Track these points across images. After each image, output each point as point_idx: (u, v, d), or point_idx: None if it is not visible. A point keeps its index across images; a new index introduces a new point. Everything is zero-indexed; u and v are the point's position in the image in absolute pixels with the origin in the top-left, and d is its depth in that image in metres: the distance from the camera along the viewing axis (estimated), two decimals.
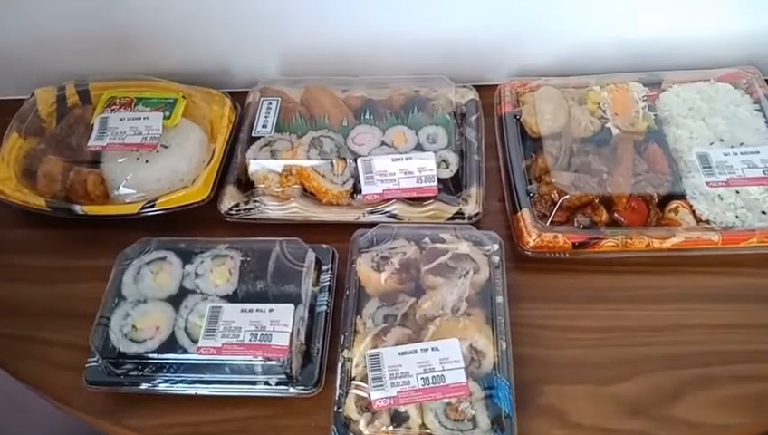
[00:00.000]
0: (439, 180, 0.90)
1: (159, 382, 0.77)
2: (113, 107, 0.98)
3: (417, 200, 0.90)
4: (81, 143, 0.97)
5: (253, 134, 0.95)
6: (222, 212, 0.93)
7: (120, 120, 0.95)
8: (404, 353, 0.73)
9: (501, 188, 0.95)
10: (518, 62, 1.08)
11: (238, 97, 1.07)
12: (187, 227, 0.93)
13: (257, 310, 0.77)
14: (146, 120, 0.95)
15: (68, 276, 0.91)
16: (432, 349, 0.73)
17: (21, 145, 1.00)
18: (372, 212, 0.90)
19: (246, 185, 0.95)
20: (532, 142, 0.96)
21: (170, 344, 0.78)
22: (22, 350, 0.84)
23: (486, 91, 1.06)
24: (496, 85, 1.06)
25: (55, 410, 0.82)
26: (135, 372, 0.78)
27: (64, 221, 0.93)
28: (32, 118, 1.02)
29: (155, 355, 0.77)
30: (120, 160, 0.93)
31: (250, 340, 0.75)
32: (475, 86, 1.06)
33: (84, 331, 0.81)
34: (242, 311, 0.78)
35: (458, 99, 1.01)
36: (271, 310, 0.77)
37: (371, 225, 0.90)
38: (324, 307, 0.82)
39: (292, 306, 0.77)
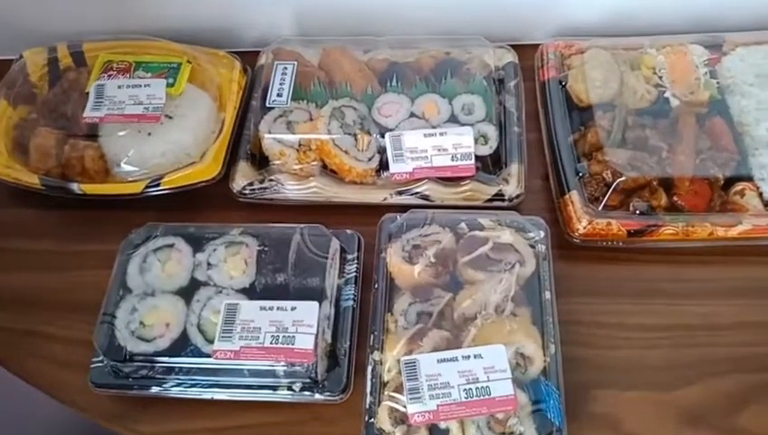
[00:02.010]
0: (476, 158, 0.80)
1: (172, 386, 0.70)
2: (110, 73, 0.88)
3: (451, 180, 0.81)
4: (77, 112, 0.87)
5: (267, 104, 0.85)
6: (234, 191, 0.84)
7: (119, 87, 0.85)
8: (443, 361, 0.65)
9: (544, 165, 0.85)
10: (561, 20, 0.96)
11: (248, 58, 0.96)
12: (195, 207, 0.85)
13: (278, 308, 0.69)
14: (147, 87, 0.85)
15: (68, 263, 0.83)
16: (475, 356, 0.65)
17: (10, 114, 0.90)
18: (401, 193, 0.81)
19: (261, 160, 0.86)
20: (579, 113, 0.85)
21: (182, 343, 0.71)
22: (21, 346, 0.77)
23: (525, 51, 0.95)
24: (536, 45, 0.95)
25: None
26: (144, 372, 0.71)
27: (61, 201, 0.84)
28: (21, 83, 0.92)
29: (165, 359, 0.69)
30: (121, 134, 0.83)
31: (271, 342, 0.67)
32: (512, 46, 0.95)
33: (88, 325, 0.74)
34: (261, 309, 0.70)
35: (495, 61, 0.90)
36: (293, 308, 0.69)
37: (400, 207, 0.81)
38: (351, 302, 0.74)
39: (316, 304, 0.69)
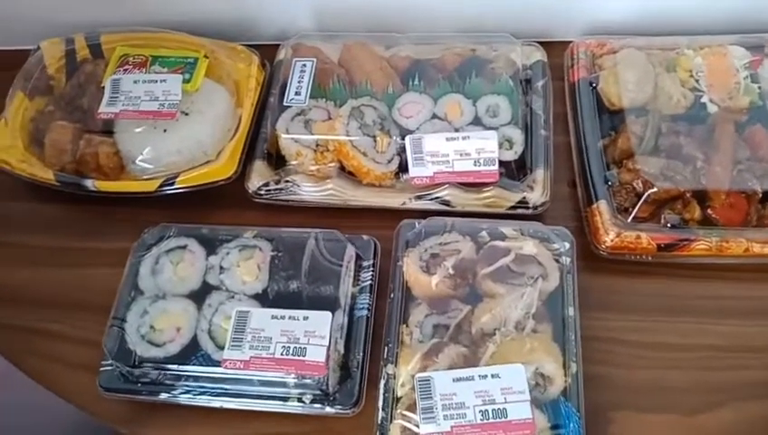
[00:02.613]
0: (500, 163, 0.77)
1: (180, 393, 0.69)
2: (126, 67, 0.86)
3: (473, 186, 0.77)
4: (93, 106, 0.85)
5: (285, 103, 0.82)
6: (250, 192, 0.82)
7: (134, 82, 0.83)
8: (459, 380, 0.62)
9: (571, 170, 0.81)
10: (593, 16, 0.92)
11: (267, 52, 0.94)
12: (210, 205, 0.84)
13: (290, 317, 0.67)
14: (163, 83, 0.83)
15: (79, 260, 0.82)
16: (492, 376, 0.62)
17: (27, 106, 0.89)
18: (420, 197, 0.78)
19: (277, 159, 0.83)
20: (610, 116, 0.81)
21: (193, 349, 0.70)
22: (29, 344, 0.76)
23: (554, 49, 0.91)
24: (566, 43, 0.91)
25: None
26: (154, 376, 0.69)
27: (76, 196, 0.83)
28: (38, 75, 0.91)
29: (175, 366, 0.67)
30: (137, 131, 0.82)
31: (282, 353, 0.65)
32: (540, 43, 0.91)
33: (98, 324, 0.73)
34: (272, 317, 0.68)
35: (522, 59, 0.87)
36: (305, 318, 0.67)
37: (418, 212, 0.78)
38: (365, 311, 0.71)
39: (329, 314, 0.67)
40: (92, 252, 0.82)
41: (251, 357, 0.66)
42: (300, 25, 0.95)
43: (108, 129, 0.84)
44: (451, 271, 0.69)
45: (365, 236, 0.76)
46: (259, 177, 0.81)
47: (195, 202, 0.82)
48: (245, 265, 0.73)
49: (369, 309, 0.72)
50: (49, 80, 0.92)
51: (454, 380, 0.62)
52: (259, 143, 0.84)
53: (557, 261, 0.71)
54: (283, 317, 0.67)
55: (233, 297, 0.72)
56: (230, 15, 0.95)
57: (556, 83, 0.88)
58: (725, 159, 0.73)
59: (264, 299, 0.71)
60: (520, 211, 0.77)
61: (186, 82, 0.83)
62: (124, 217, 0.84)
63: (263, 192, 0.81)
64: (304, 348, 0.65)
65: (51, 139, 0.85)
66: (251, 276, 0.72)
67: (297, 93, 0.82)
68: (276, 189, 0.81)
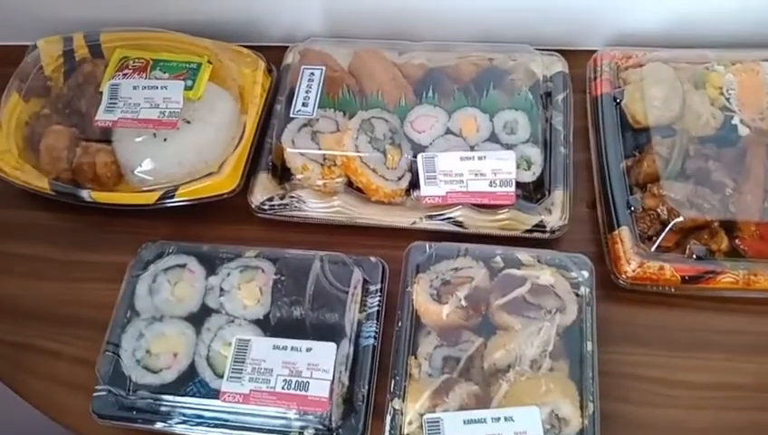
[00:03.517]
0: (517, 184, 0.73)
1: (177, 422, 0.65)
2: (125, 71, 0.82)
3: (488, 207, 0.73)
4: (91, 110, 0.82)
5: (291, 115, 0.78)
6: (252, 206, 0.78)
7: (134, 88, 0.80)
8: (470, 422, 0.59)
9: (591, 190, 0.77)
10: (617, 25, 0.87)
11: (274, 54, 0.89)
12: (211, 219, 0.80)
13: (292, 348, 0.64)
14: (164, 89, 0.79)
15: (75, 274, 0.79)
16: (505, 418, 0.59)
17: (22, 108, 0.86)
18: (431, 217, 0.75)
19: (282, 170, 0.79)
20: (634, 135, 0.77)
21: (190, 375, 0.67)
22: (24, 362, 0.73)
23: (576, 58, 0.86)
24: (589, 52, 0.86)
25: None
26: (149, 403, 0.66)
27: (72, 205, 0.80)
28: (34, 75, 0.88)
29: (170, 397, 0.64)
30: (137, 140, 0.78)
31: (283, 387, 0.62)
32: (562, 52, 0.86)
33: (93, 343, 0.70)
34: (274, 347, 0.64)
35: (543, 70, 0.82)
36: (308, 349, 0.64)
37: (430, 232, 0.75)
38: (371, 340, 0.68)
39: (333, 346, 0.64)
40: (89, 265, 0.79)
41: (251, 390, 0.62)
42: (309, 27, 0.91)
43: (106, 135, 0.80)
44: (463, 303, 0.65)
45: (373, 259, 0.73)
46: (263, 191, 0.78)
47: (195, 215, 0.79)
48: (247, 287, 0.70)
49: (375, 337, 0.68)
50: (46, 80, 0.88)
51: (465, 422, 0.59)
52: (264, 154, 0.80)
53: (575, 292, 0.67)
54: (285, 348, 0.64)
55: (233, 322, 0.68)
56: (236, 15, 0.91)
57: (577, 95, 0.84)
58: (757, 187, 0.69)
59: (265, 325, 0.68)
60: (536, 235, 0.73)
61: (188, 89, 0.79)
62: (122, 229, 0.80)
63: (266, 207, 0.77)
64: (307, 382, 0.62)
65: (46, 145, 0.81)
66: (252, 300, 0.69)
67: (304, 104, 0.78)
68: (281, 205, 0.77)
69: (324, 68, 0.80)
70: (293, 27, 0.92)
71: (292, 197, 0.77)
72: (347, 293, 0.67)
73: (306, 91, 0.79)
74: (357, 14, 0.88)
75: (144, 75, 0.81)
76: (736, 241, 0.69)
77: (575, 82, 0.85)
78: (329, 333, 0.66)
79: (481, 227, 0.74)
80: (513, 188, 0.72)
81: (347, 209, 0.76)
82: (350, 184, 0.77)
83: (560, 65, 0.84)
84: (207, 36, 0.88)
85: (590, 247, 0.74)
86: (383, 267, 0.72)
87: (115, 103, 0.79)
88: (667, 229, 0.68)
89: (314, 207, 0.76)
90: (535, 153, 0.74)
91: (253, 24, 0.92)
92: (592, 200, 0.77)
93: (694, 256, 0.68)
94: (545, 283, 0.67)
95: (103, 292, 0.74)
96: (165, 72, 0.81)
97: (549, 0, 0.85)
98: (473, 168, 0.72)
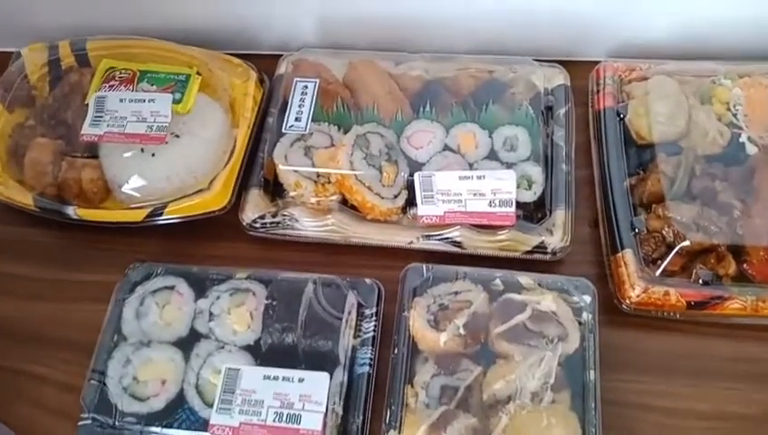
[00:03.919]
0: (518, 204, 0.70)
1: None
2: (112, 83, 0.79)
3: (487, 227, 0.71)
4: (77, 121, 0.79)
5: (284, 130, 0.75)
6: (244, 224, 0.75)
7: (120, 101, 0.77)
8: None
9: (594, 208, 0.75)
10: (621, 36, 0.84)
11: (266, 62, 0.87)
12: (201, 236, 0.78)
13: (284, 378, 0.62)
14: (151, 103, 0.76)
15: (60, 293, 0.76)
16: None
17: (6, 119, 0.83)
18: (429, 237, 0.72)
19: (274, 186, 0.77)
20: (638, 151, 0.75)
21: (178, 403, 0.65)
22: (9, 386, 0.71)
23: (578, 69, 0.84)
24: (591, 63, 0.84)
25: None
26: (136, 430, 0.64)
27: (57, 221, 0.77)
28: (19, 84, 0.85)
29: (158, 429, 0.62)
30: (125, 155, 0.75)
31: (274, 420, 0.60)
32: (564, 62, 0.83)
33: (80, 367, 0.68)
34: (264, 378, 0.62)
35: (544, 83, 0.79)
36: (301, 380, 0.61)
37: (427, 251, 0.72)
38: (366, 367, 0.66)
39: (326, 377, 0.61)
40: (75, 284, 0.77)
41: (240, 423, 0.60)
42: (303, 36, 0.88)
43: (93, 149, 0.78)
44: (462, 331, 0.63)
45: (368, 281, 0.70)
46: (254, 208, 0.75)
47: (185, 232, 0.77)
48: (237, 312, 0.67)
49: (370, 364, 0.66)
50: (30, 90, 0.85)
51: None
52: (255, 169, 0.78)
53: (578, 319, 0.65)
54: (276, 378, 0.62)
55: (223, 348, 0.66)
56: (228, 23, 0.88)
57: (579, 108, 0.81)
58: (765, 209, 0.67)
59: (256, 351, 0.65)
60: (537, 256, 0.71)
61: (176, 102, 0.76)
62: (110, 246, 0.78)
63: (258, 225, 0.75)
64: (299, 415, 0.60)
65: (30, 158, 0.78)
66: (242, 326, 0.66)
67: (297, 119, 0.75)
68: (273, 223, 0.74)
69: (318, 81, 0.78)
70: (287, 35, 0.89)
71: (285, 215, 0.74)
72: (341, 320, 0.65)
73: (299, 106, 0.76)
74: (352, 22, 0.85)
75: (131, 87, 0.78)
76: (744, 265, 0.66)
77: (577, 93, 0.82)
78: (322, 360, 0.64)
79: (480, 248, 0.71)
80: (513, 209, 0.70)
81: (341, 228, 0.73)
82: (344, 201, 0.74)
83: (561, 78, 0.81)
84: (198, 44, 0.85)
85: (593, 269, 0.72)
86: (379, 290, 0.70)
87: (101, 117, 0.76)
88: (673, 253, 0.66)
89: (308, 226, 0.74)
90: (536, 172, 0.72)
91: (245, 32, 0.89)
92: (595, 219, 0.74)
93: (700, 281, 0.66)
94: (546, 309, 0.64)
95: (91, 313, 0.71)
96: (152, 85, 0.78)
97: (551, 9, 0.82)
98: (472, 187, 0.69)
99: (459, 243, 0.72)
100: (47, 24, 0.88)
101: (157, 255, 0.76)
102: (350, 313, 0.66)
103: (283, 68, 0.85)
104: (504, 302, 0.65)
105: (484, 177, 0.69)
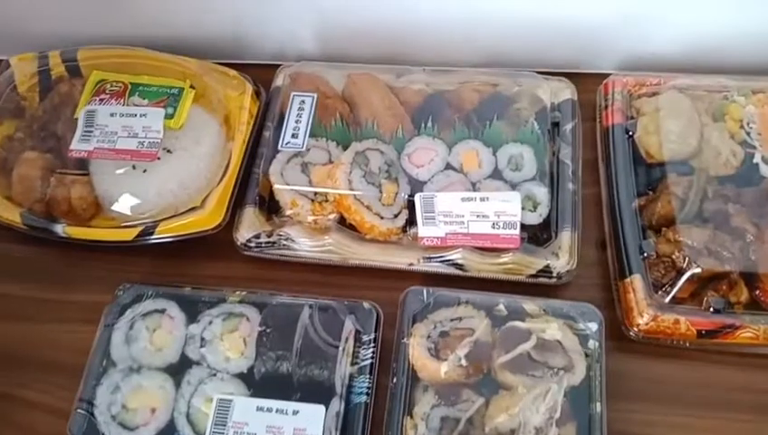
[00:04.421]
0: (522, 226, 0.68)
1: None
2: (102, 96, 0.76)
3: (491, 249, 0.68)
4: (67, 134, 0.76)
5: (280, 147, 0.73)
6: (238, 243, 0.73)
7: (111, 115, 0.74)
8: None
9: (601, 229, 0.72)
10: (631, 48, 0.82)
11: (263, 73, 0.84)
12: (194, 255, 0.75)
13: (277, 410, 0.59)
14: (143, 117, 0.73)
15: (49, 313, 0.74)
16: None
17: None
18: (430, 259, 0.69)
19: (270, 203, 0.74)
20: (647, 171, 0.72)
21: (168, 433, 0.62)
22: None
23: (586, 81, 0.81)
24: (600, 76, 0.81)
25: None
26: None
27: (45, 239, 0.75)
28: (7, 94, 0.82)
29: None
30: (117, 172, 0.73)
31: None
32: (571, 74, 0.81)
33: (70, 392, 0.66)
34: (258, 409, 0.60)
35: (550, 97, 0.77)
36: (295, 412, 0.59)
37: (428, 275, 0.70)
38: (364, 396, 0.63)
39: (322, 409, 0.59)
40: (64, 305, 0.74)
41: None
42: (301, 45, 0.86)
43: (83, 163, 0.75)
44: (463, 362, 0.60)
45: (366, 305, 0.68)
46: (249, 227, 0.72)
47: (177, 251, 0.74)
48: (230, 338, 0.65)
49: (368, 394, 0.63)
50: (20, 100, 0.83)
51: None
52: (251, 186, 0.75)
53: (584, 349, 0.62)
54: (269, 410, 0.59)
55: (215, 375, 0.64)
56: (224, 32, 0.86)
57: (587, 123, 0.79)
58: None
59: (249, 379, 0.63)
60: (542, 280, 0.68)
61: (168, 117, 0.74)
62: (101, 265, 0.76)
63: (252, 244, 0.72)
64: None
65: (19, 174, 0.76)
66: (235, 353, 0.64)
67: (294, 136, 0.73)
68: (268, 242, 0.72)
69: (316, 95, 0.75)
70: (285, 45, 0.86)
71: (281, 234, 0.71)
72: (337, 348, 0.63)
73: (296, 122, 0.73)
74: (352, 32, 0.83)
75: (122, 101, 0.75)
76: (757, 292, 0.64)
77: (585, 107, 0.79)
78: (317, 390, 0.61)
79: (483, 271, 0.69)
80: (517, 231, 0.67)
81: (339, 249, 0.71)
82: (342, 220, 0.72)
83: (568, 92, 0.78)
84: (193, 54, 0.83)
85: (600, 292, 0.69)
86: (377, 314, 0.67)
87: (91, 132, 0.73)
88: (684, 279, 0.63)
89: (304, 246, 0.71)
90: (542, 193, 0.69)
91: (242, 41, 0.86)
92: (602, 241, 0.72)
93: (711, 309, 0.63)
94: (551, 338, 0.62)
95: (80, 334, 0.69)
96: (144, 99, 0.75)
97: (558, 20, 0.79)
98: (475, 209, 0.67)
99: (461, 265, 0.69)
100: (36, 34, 0.85)
101: (148, 274, 0.74)
102: (347, 340, 0.64)
103: (280, 79, 0.82)
104: (508, 330, 0.63)
105: (487, 199, 0.66)
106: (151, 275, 0.74)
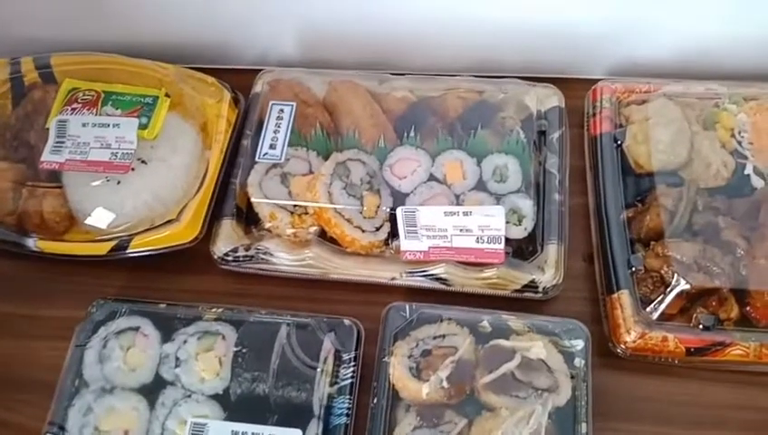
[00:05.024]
0: (507, 240, 0.66)
1: None
2: (74, 105, 0.74)
3: (475, 264, 0.67)
4: (39, 143, 0.74)
5: (257, 158, 0.71)
6: (215, 257, 0.71)
7: (83, 125, 0.72)
8: None
9: (588, 241, 0.71)
10: (620, 53, 0.80)
11: (244, 78, 0.82)
12: (170, 270, 0.73)
13: (253, 434, 0.57)
14: (116, 128, 0.71)
15: (20, 330, 0.71)
16: None
17: None
18: (412, 273, 0.68)
19: (248, 215, 0.72)
20: (636, 180, 0.70)
21: None
22: None
23: (574, 87, 0.79)
24: (588, 81, 0.79)
25: None
26: None
27: (16, 253, 0.72)
28: None
29: None
30: (92, 184, 0.70)
31: None
32: (558, 80, 0.78)
33: (42, 410, 0.63)
34: (233, 433, 0.58)
35: (537, 104, 0.75)
36: None
37: (411, 289, 0.68)
38: (344, 418, 0.61)
39: (299, 433, 0.57)
40: (36, 321, 0.72)
41: None
42: (283, 50, 0.83)
43: (56, 175, 0.73)
44: (445, 384, 0.58)
45: (347, 321, 0.66)
46: (226, 241, 0.70)
47: (152, 265, 0.72)
48: (205, 357, 0.63)
49: (348, 415, 0.61)
50: None
51: None
52: (228, 197, 0.73)
53: (570, 368, 0.60)
54: (245, 434, 0.57)
55: (189, 397, 0.62)
56: (203, 36, 0.83)
57: (574, 129, 0.77)
58: None
59: (225, 401, 0.61)
60: (528, 295, 0.66)
61: (142, 127, 0.71)
62: (74, 279, 0.73)
63: (230, 258, 0.70)
64: None
65: None
66: (211, 373, 0.62)
67: (272, 147, 0.70)
68: (246, 256, 0.70)
69: (295, 104, 0.73)
70: (266, 49, 0.84)
71: (259, 248, 0.69)
72: (315, 369, 0.61)
73: (274, 132, 0.71)
74: (334, 37, 0.80)
75: (95, 110, 0.73)
76: (747, 308, 0.62)
77: (572, 114, 0.78)
78: (295, 412, 0.60)
79: (467, 286, 0.67)
80: (502, 246, 0.65)
81: (320, 262, 0.69)
82: (323, 233, 0.70)
83: (555, 99, 0.76)
84: (172, 59, 0.80)
85: (587, 307, 0.68)
86: (358, 332, 0.65)
87: (62, 143, 0.71)
88: (672, 295, 0.62)
89: (284, 260, 0.69)
90: (527, 206, 0.67)
91: (222, 46, 0.84)
92: (589, 253, 0.70)
93: (700, 326, 0.62)
94: (536, 357, 0.60)
95: (53, 351, 0.67)
96: (117, 109, 0.73)
97: (545, 24, 0.77)
98: (458, 223, 0.65)
99: (445, 280, 0.67)
100: (8, 38, 0.82)
101: (123, 288, 0.72)
102: (325, 360, 0.62)
103: (259, 86, 0.80)
104: (492, 349, 0.61)
105: (471, 213, 0.64)
106: (126, 289, 0.72)
